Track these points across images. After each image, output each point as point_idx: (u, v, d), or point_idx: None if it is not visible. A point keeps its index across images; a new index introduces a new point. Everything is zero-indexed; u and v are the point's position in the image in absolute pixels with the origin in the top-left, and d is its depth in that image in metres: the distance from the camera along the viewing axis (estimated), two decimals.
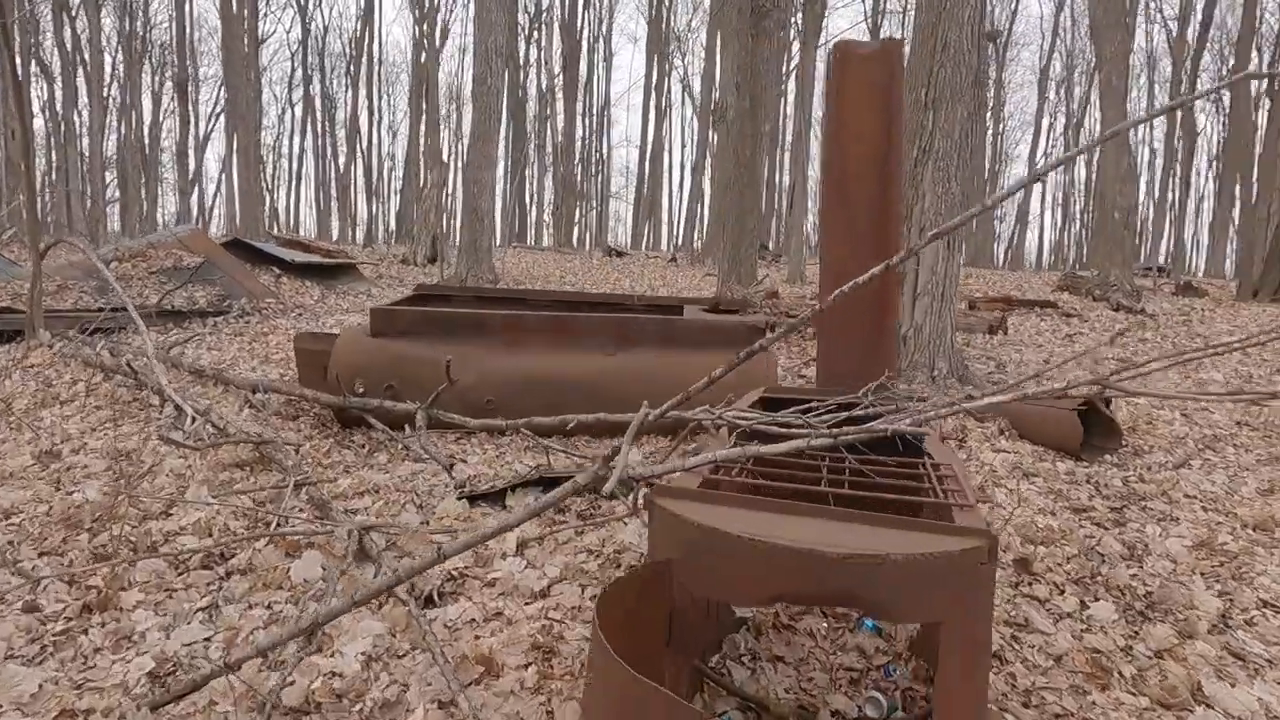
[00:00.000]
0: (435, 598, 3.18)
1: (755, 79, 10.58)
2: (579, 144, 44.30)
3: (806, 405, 2.66)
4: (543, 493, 4.20)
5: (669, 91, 46.02)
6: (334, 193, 45.94)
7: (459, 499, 4.08)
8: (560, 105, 42.58)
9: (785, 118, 29.63)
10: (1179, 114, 34.47)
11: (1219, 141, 39.09)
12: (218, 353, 8.17)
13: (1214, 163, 42.40)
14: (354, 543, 3.33)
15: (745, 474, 2.24)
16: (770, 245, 28.17)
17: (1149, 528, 4.03)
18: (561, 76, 41.48)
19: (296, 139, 51.13)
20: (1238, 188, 30.98)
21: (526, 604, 3.14)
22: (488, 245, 14.52)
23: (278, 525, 3.63)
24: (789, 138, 29.63)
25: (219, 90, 41.23)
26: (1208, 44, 34.28)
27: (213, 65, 42.72)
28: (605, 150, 49.19)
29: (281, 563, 3.37)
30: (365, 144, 46.56)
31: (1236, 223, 32.19)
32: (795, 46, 27.90)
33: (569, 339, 5.58)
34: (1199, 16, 32.54)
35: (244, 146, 24.14)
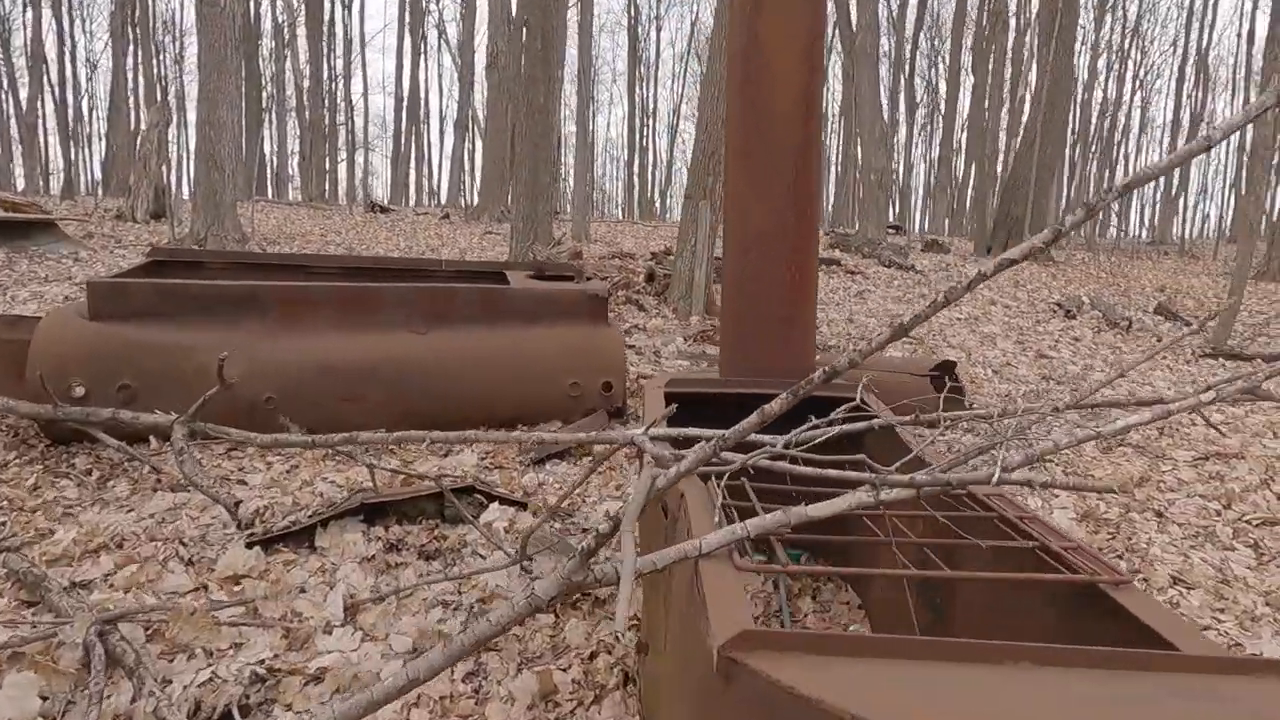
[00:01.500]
0: (235, 717, 2.17)
1: (547, 16, 9.64)
2: (326, 88, 40.20)
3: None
4: (367, 525, 3.23)
5: (426, 34, 43.05)
6: (16, 134, 38.13)
7: (249, 545, 2.99)
8: (303, 43, 38.26)
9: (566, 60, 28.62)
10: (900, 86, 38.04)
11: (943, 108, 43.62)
12: None
13: (923, 128, 47.38)
14: (94, 645, 2.20)
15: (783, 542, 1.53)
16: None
17: (1031, 500, 3.88)
18: (303, 11, 37.22)
19: None
20: (962, 157, 34.84)
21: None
22: (231, 199, 12.36)
23: None
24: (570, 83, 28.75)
25: None
26: None
27: None
28: (360, 96, 45.23)
29: None
30: (56, 77, 38.97)
31: (953, 188, 36.26)
32: None
33: (368, 315, 4.50)
34: None
35: None
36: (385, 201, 35.31)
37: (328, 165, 39.49)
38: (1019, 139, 17.70)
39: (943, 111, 36.69)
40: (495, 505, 3.39)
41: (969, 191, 35.98)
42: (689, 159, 9.29)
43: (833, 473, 1.44)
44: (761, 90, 2.69)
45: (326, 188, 38.77)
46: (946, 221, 35.75)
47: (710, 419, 2.83)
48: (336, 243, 14.41)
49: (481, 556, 3.11)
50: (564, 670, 2.49)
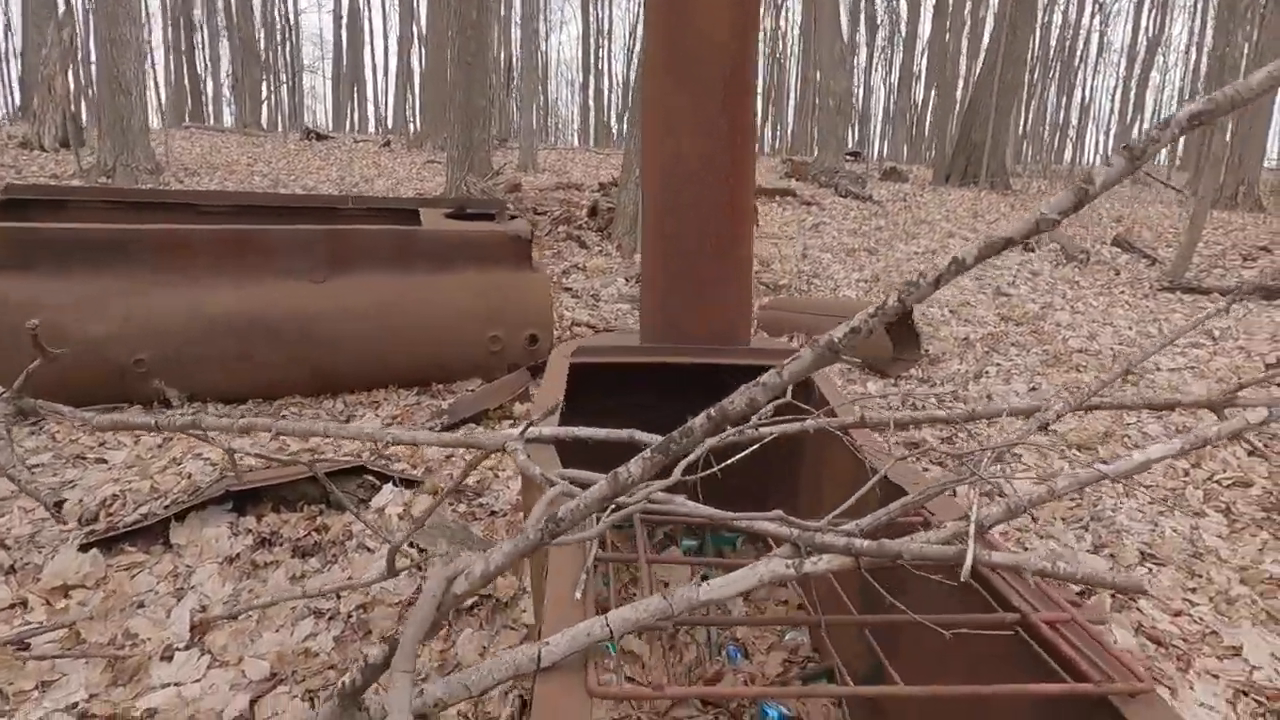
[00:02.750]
0: None
1: None
2: (259, 5, 37.71)
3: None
4: (237, 515, 2.78)
5: None
6: None
7: (85, 546, 2.53)
8: None
9: None
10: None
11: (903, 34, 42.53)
12: None
13: (883, 51, 46.28)
14: None
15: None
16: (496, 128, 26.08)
17: (993, 467, 3.55)
18: None
19: None
20: (922, 81, 34.13)
21: None
22: (141, 125, 11.38)
23: None
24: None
25: None
26: None
27: None
28: (293, 15, 42.67)
29: None
30: None
31: (913, 114, 35.65)
32: None
33: (258, 262, 3.95)
34: None
35: None
36: (327, 128, 33.60)
37: (265, 90, 37.40)
38: (980, 62, 17.16)
39: (903, 34, 35.83)
40: (389, 487, 2.96)
41: (929, 117, 35.47)
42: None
43: (742, 522, 1.04)
44: None
45: (265, 114, 36.82)
46: (905, 148, 35.28)
47: (629, 394, 2.41)
48: (264, 174, 13.48)
49: (369, 550, 2.69)
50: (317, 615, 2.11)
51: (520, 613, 2.42)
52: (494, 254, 4.26)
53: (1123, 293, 7.92)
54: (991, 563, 0.97)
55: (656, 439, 1.58)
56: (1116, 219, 13.13)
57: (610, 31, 49.05)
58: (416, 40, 35.09)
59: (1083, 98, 43.65)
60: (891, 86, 41.95)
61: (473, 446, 1.62)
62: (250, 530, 2.72)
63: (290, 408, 3.89)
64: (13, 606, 2.30)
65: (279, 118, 37.84)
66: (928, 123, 33.90)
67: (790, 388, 1.25)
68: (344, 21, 40.60)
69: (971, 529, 0.95)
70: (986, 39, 18.53)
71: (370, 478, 2.97)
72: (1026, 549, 2.95)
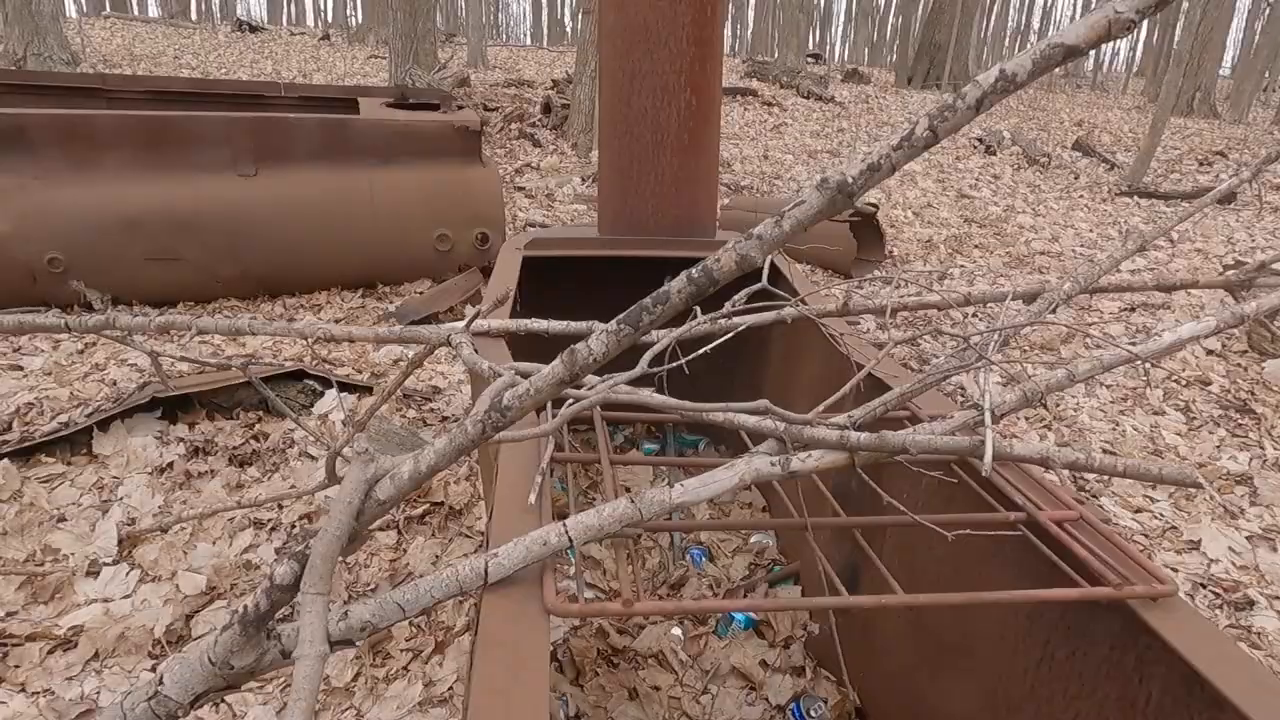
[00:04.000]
0: None
1: None
2: None
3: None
4: (168, 424, 2.59)
5: None
6: None
7: (3, 457, 2.33)
8: None
9: None
10: None
11: None
12: None
13: None
14: None
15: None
16: (442, 21, 24.66)
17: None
18: None
19: None
20: None
21: None
22: (52, 11, 10.45)
23: None
24: None
25: None
26: None
27: None
28: None
29: None
30: None
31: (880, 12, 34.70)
32: None
33: (180, 153, 3.62)
34: None
35: None
36: (261, 21, 31.44)
37: None
38: None
39: None
40: (332, 392, 2.79)
41: (890, 19, 34.60)
42: None
43: (718, 413, 0.91)
44: None
45: (194, 4, 34.33)
46: (867, 50, 34.47)
47: (590, 289, 2.24)
48: (191, 67, 12.57)
49: (312, 458, 2.54)
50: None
51: (476, 519, 2.31)
52: (440, 147, 3.97)
53: (1081, 196, 7.87)
54: (1013, 455, 0.86)
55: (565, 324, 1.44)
56: (1077, 123, 13.03)
57: None
58: None
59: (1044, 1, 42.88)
60: None
61: (414, 341, 1.45)
62: (181, 439, 2.54)
63: (225, 311, 3.65)
64: None
65: (206, 8, 35.37)
66: (889, 26, 33.11)
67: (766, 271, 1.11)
68: None
69: (987, 417, 0.83)
70: None
71: (312, 383, 2.79)
72: None
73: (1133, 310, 4.23)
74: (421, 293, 3.88)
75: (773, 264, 2.18)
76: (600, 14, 2.20)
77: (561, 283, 2.18)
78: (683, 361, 1.19)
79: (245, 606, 0.66)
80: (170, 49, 14.79)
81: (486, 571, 0.73)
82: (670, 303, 0.67)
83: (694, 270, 0.66)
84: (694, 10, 2.09)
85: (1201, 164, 10.02)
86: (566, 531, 0.76)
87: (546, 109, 7.72)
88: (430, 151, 3.96)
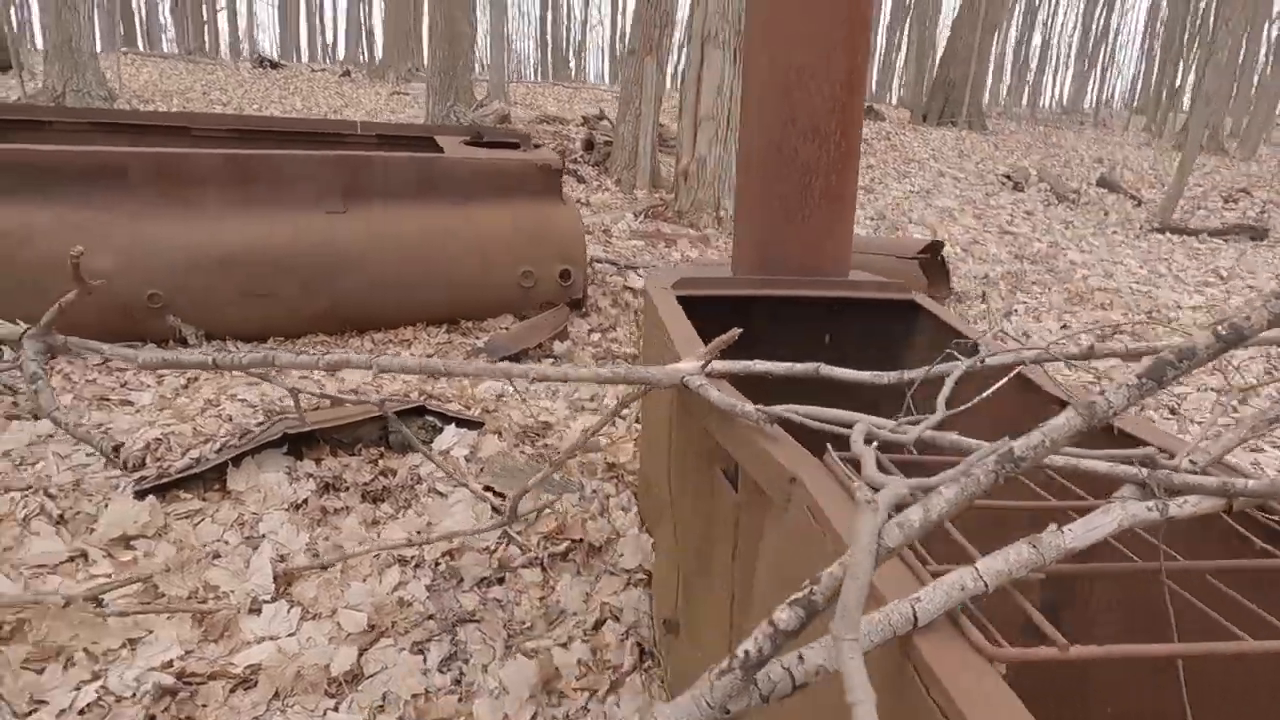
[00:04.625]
0: None
1: None
2: None
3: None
4: (293, 459, 2.60)
5: None
6: None
7: (140, 494, 2.34)
8: None
9: None
10: None
11: None
12: None
13: None
14: None
15: None
16: None
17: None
18: None
19: None
20: (884, 21, 33.64)
21: None
22: (91, 47, 10.63)
23: None
24: None
25: None
26: None
27: None
28: None
29: None
30: None
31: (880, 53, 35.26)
32: None
33: (273, 191, 3.68)
34: None
35: None
36: (276, 56, 31.89)
37: (205, 14, 35.32)
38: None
39: None
40: (452, 428, 2.81)
41: (895, 55, 35.19)
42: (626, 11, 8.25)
43: (1059, 458, 0.92)
44: None
45: (206, 40, 34.89)
46: (875, 85, 34.96)
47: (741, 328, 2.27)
48: (223, 102, 12.75)
49: (440, 494, 2.55)
50: (563, 647, 2.00)
51: (618, 557, 2.31)
52: (523, 184, 4.03)
53: (1115, 233, 7.96)
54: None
55: (849, 372, 1.46)
56: (1097, 160, 13.20)
57: None
58: None
59: (1043, 38, 43.67)
60: None
61: (639, 383, 1.47)
62: (310, 475, 2.55)
63: (316, 346, 3.68)
64: (72, 560, 2.12)
65: (224, 45, 35.92)
66: (898, 62, 33.66)
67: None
68: None
69: None
70: None
71: (432, 418, 2.81)
72: None
73: None
74: (507, 328, 3.92)
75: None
76: (749, 58, 2.25)
77: (710, 320, 2.21)
78: (969, 404, 1.22)
79: (746, 652, 0.67)
80: (197, 84, 15.00)
81: (915, 615, 0.75)
82: (1197, 358, 0.70)
83: (1221, 326, 0.69)
84: (847, 54, 2.15)
85: (1227, 201, 10.15)
86: (981, 576, 0.78)
87: (589, 146, 7.82)
88: (513, 189, 4.02)
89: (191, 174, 3.55)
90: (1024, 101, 37.33)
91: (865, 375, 1.42)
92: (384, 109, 13.19)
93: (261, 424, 2.79)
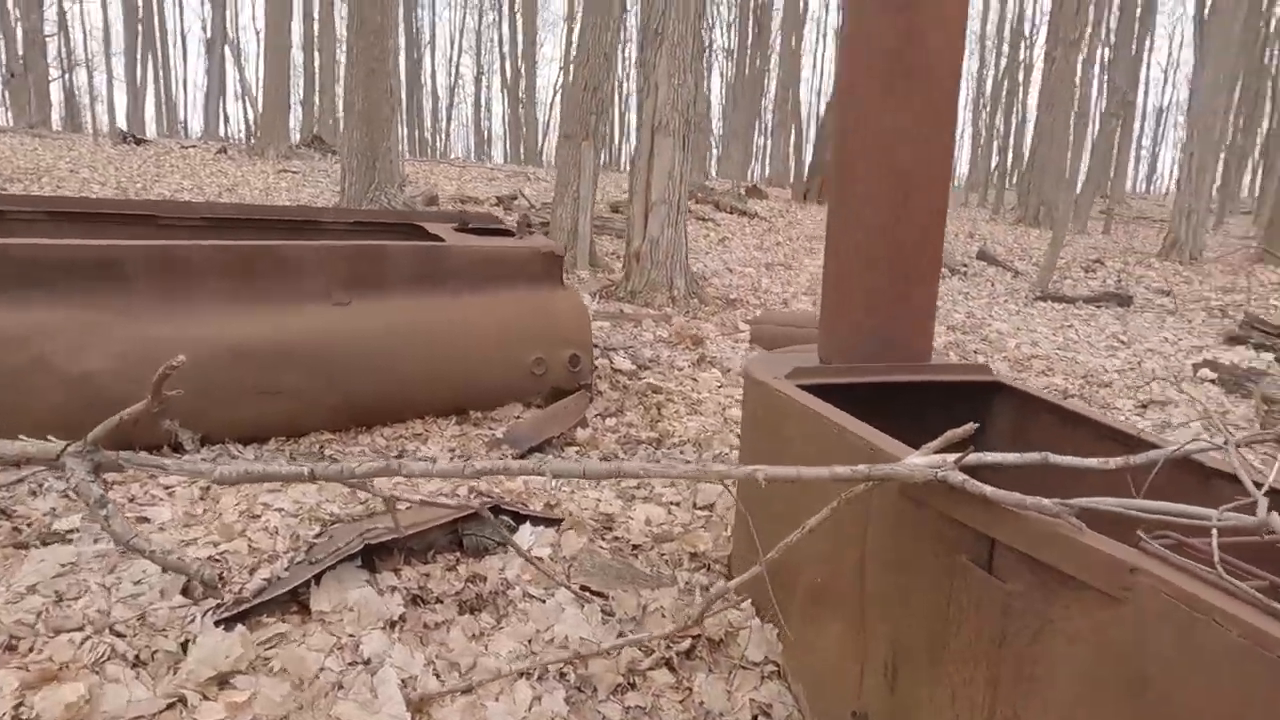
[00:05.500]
0: None
1: None
2: None
3: None
4: (369, 572, 2.44)
5: None
6: None
7: (221, 622, 2.12)
8: None
9: None
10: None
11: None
12: None
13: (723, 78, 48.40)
14: None
15: None
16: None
17: None
18: None
19: None
20: (768, 106, 35.86)
21: None
22: None
23: None
24: None
25: None
26: None
27: None
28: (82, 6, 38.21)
29: None
30: None
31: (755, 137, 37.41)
32: None
33: (275, 283, 3.50)
34: None
35: None
36: (129, 131, 30.13)
37: (53, 88, 33.08)
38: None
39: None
40: (528, 526, 2.72)
41: (758, 140, 37.50)
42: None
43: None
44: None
45: (59, 114, 32.66)
46: (754, 169, 36.92)
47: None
48: (99, 181, 11.92)
49: (536, 598, 2.45)
50: None
51: (742, 650, 2.29)
52: (527, 271, 4.03)
53: (1007, 302, 8.72)
54: None
55: (1075, 460, 1.57)
56: (969, 234, 14.44)
57: (433, 40, 47.80)
58: (229, 38, 32.50)
59: None
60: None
61: (884, 479, 1.52)
62: (394, 588, 2.39)
63: (330, 445, 3.47)
64: (171, 707, 1.88)
65: (56, 118, 33.70)
66: (766, 147, 35.83)
67: None
68: (138, 13, 36.72)
69: None
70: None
71: (505, 518, 2.71)
72: None
73: (1145, 406, 4.72)
74: (519, 417, 3.84)
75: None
76: (848, 161, 2.40)
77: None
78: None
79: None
80: (60, 162, 13.97)
81: None
82: None
83: None
84: (942, 157, 2.34)
85: (1087, 271, 11.35)
86: None
87: (524, 226, 7.85)
88: (517, 276, 4.01)
89: (190, 267, 3.33)
90: None
91: (1092, 462, 1.53)
92: (278, 188, 12.72)
93: (319, 535, 2.61)
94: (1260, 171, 29.64)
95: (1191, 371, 5.33)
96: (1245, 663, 1.04)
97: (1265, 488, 1.29)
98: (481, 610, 2.38)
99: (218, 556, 2.44)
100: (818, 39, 39.09)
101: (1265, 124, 28.59)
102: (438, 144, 47.45)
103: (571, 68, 7.48)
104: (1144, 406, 4.73)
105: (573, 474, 1.75)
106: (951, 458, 1.56)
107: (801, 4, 28.39)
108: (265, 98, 19.15)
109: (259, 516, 2.76)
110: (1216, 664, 1.08)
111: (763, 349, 5.32)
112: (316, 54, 28.14)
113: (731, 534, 2.77)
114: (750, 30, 30.49)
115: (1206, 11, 25.03)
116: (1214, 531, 1.18)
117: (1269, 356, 5.86)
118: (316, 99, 29.18)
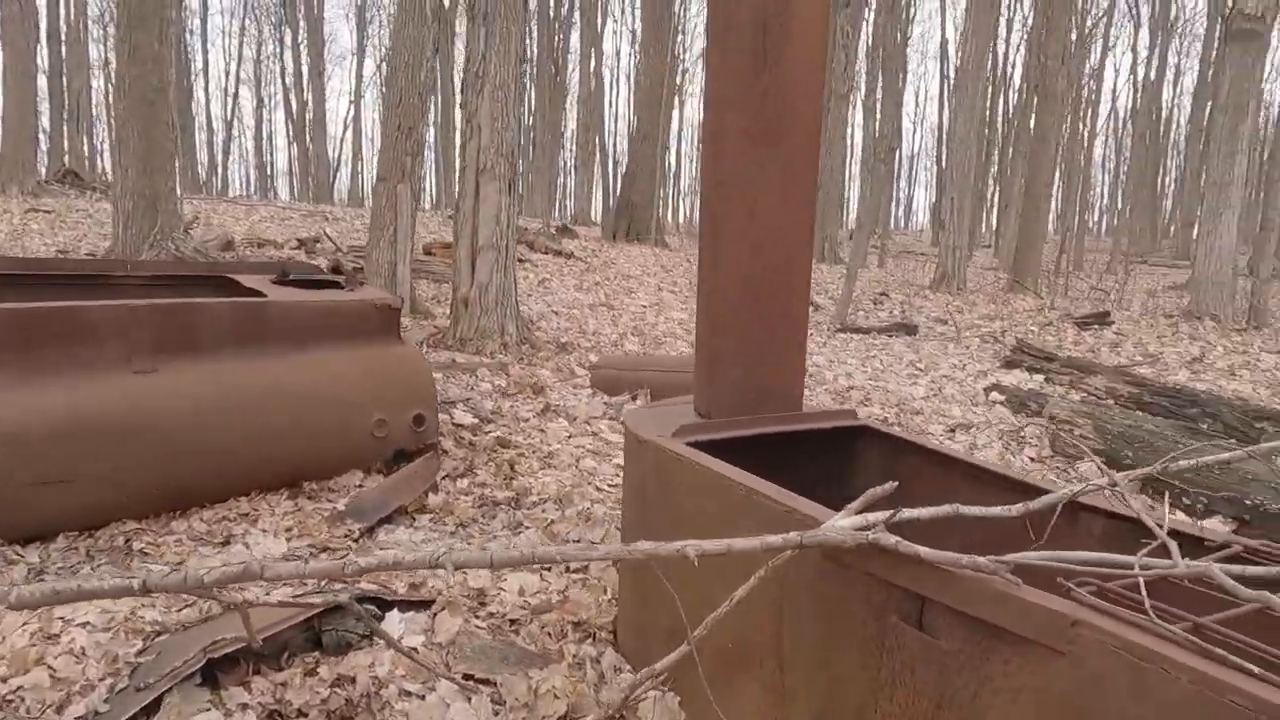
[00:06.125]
0: None
1: None
2: None
3: None
4: (211, 689, 2.10)
5: None
6: None
7: None
8: None
9: None
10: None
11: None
12: None
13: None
14: None
15: None
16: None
17: None
18: None
19: None
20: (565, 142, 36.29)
21: None
22: None
23: None
24: None
25: None
26: None
27: None
28: None
29: None
30: None
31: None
32: None
33: (63, 351, 3.00)
34: None
35: None
36: None
37: None
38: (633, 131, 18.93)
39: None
40: (395, 613, 2.47)
41: (559, 180, 38.06)
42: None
43: None
44: (785, 49, 2.25)
45: None
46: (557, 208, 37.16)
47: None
48: None
49: (415, 695, 2.21)
50: None
51: None
52: (360, 326, 3.73)
53: (813, 334, 9.32)
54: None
55: (982, 509, 1.63)
56: None
57: (206, 70, 44.48)
58: None
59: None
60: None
61: (818, 546, 1.49)
62: (246, 705, 2.07)
63: (138, 537, 2.99)
64: None
65: None
66: (568, 185, 36.35)
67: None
68: None
69: None
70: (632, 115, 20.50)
71: (369, 605, 2.44)
72: None
73: (954, 430, 5.17)
74: (360, 485, 3.53)
75: None
76: (717, 216, 2.41)
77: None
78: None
79: None
80: None
81: None
82: None
83: None
84: (806, 208, 2.41)
85: (875, 303, 12.40)
86: None
87: (336, 271, 7.37)
88: (351, 332, 3.71)
89: None
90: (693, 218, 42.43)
91: (996, 510, 1.60)
92: (28, 231, 11.10)
93: (142, 652, 2.22)
94: (996, 209, 34.01)
95: (984, 395, 5.92)
96: (1197, 708, 1.10)
97: (1166, 528, 1.40)
98: (354, 718, 2.11)
99: (11, 696, 2.00)
100: (612, 84, 40.41)
101: (994, 168, 32.95)
102: (214, 181, 43.86)
103: (382, 108, 7.15)
104: (952, 430, 5.17)
105: (480, 564, 1.58)
106: (873, 517, 1.57)
107: (593, 52, 29.25)
108: (6, 125, 16.79)
109: (57, 636, 2.30)
110: (1168, 712, 1.14)
111: (604, 393, 5.29)
112: (64, 79, 25.20)
113: (615, 598, 2.67)
114: (549, 71, 30.99)
115: (952, 71, 28.56)
116: (1140, 581, 1.25)
117: (1039, 378, 6.64)
118: (65, 129, 26.09)
